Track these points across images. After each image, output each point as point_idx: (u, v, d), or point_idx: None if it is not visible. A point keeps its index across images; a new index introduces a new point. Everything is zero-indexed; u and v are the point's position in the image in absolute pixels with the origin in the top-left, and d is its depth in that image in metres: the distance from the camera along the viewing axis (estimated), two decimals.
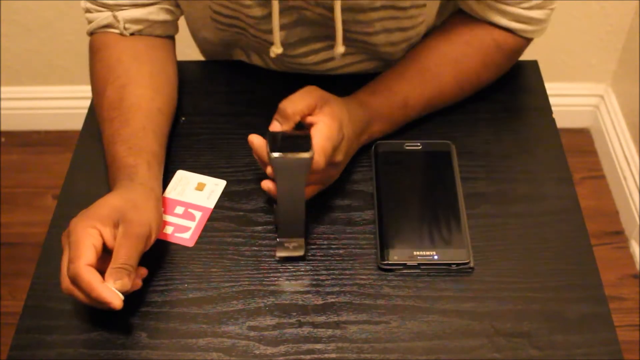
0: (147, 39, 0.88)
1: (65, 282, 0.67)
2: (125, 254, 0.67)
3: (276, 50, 0.83)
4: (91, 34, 0.89)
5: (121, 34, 0.86)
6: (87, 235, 0.67)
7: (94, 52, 0.88)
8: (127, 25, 0.85)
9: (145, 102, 0.82)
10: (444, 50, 0.86)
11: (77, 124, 0.92)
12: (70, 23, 1.72)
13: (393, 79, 0.84)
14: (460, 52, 0.86)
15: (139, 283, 0.70)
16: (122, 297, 0.66)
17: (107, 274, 0.66)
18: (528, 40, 0.89)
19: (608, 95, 1.83)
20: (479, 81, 0.89)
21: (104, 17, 0.86)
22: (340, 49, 0.83)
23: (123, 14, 0.85)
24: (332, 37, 0.86)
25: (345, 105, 0.78)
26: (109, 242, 0.69)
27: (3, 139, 1.91)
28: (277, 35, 0.82)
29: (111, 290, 0.66)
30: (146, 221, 0.70)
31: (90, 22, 0.88)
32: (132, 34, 0.86)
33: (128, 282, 0.66)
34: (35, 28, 1.74)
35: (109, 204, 0.70)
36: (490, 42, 0.87)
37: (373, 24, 0.83)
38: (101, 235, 0.68)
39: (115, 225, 0.69)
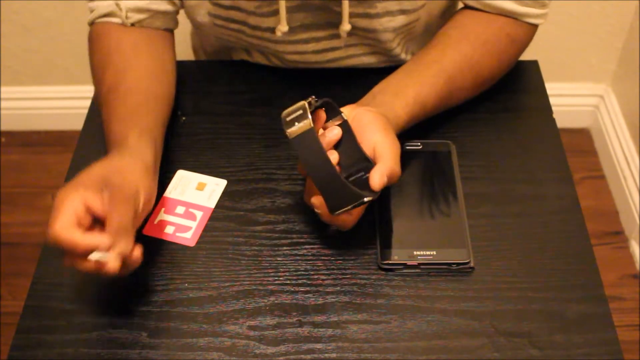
0: (147, 31, 0.88)
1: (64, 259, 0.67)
2: (117, 217, 0.66)
3: (282, 28, 0.85)
4: (91, 23, 0.90)
5: (122, 24, 0.87)
6: (66, 201, 0.66)
7: (94, 40, 0.88)
8: (129, 14, 0.86)
9: (143, 87, 0.83)
10: (465, 54, 0.85)
11: (77, 124, 0.92)
12: (70, 23, 1.72)
13: (416, 83, 0.83)
14: (479, 54, 0.86)
15: (138, 255, 0.68)
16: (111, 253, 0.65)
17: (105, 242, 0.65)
18: (534, 29, 0.90)
19: (608, 95, 1.83)
20: (493, 80, 0.90)
21: (106, 5, 0.86)
22: (346, 26, 0.84)
23: (126, 3, 0.86)
24: (334, 25, 0.86)
25: (383, 115, 0.77)
26: (96, 208, 0.67)
27: (3, 139, 1.91)
28: (283, 11, 0.83)
29: (96, 237, 0.65)
30: (131, 183, 0.69)
31: (92, 10, 0.89)
32: (132, 24, 0.87)
33: (127, 244, 0.66)
34: (35, 28, 1.74)
35: (91, 171, 0.70)
36: (504, 38, 0.88)
37: (375, 5, 0.84)
38: (85, 201, 0.67)
39: (100, 190, 0.68)
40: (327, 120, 0.74)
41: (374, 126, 0.74)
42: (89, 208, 0.67)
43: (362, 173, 0.74)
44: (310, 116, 0.68)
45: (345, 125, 0.74)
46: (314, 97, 0.72)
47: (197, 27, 0.95)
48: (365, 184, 0.72)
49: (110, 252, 0.65)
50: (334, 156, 0.73)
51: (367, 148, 0.74)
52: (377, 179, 0.71)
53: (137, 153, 0.74)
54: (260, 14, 0.86)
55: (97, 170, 0.70)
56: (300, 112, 0.69)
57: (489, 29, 0.88)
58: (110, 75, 0.83)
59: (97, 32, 0.88)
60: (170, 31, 0.92)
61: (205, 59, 1.09)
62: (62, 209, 0.66)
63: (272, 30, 0.87)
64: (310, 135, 0.68)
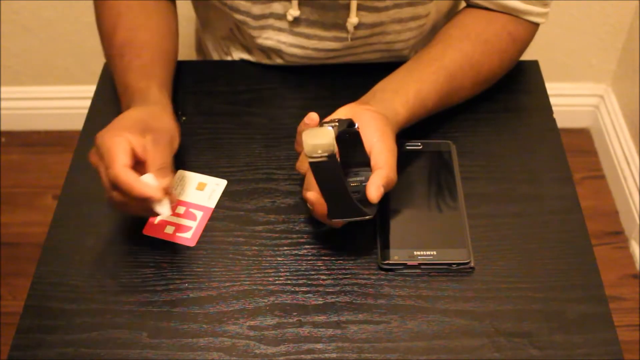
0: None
1: (109, 194, 0.71)
2: (160, 158, 0.73)
3: (293, 12, 0.86)
4: None
5: None
6: (116, 142, 0.71)
7: (102, 5, 0.91)
8: None
9: (154, 42, 0.87)
10: (466, 53, 0.86)
11: (77, 124, 0.92)
12: (70, 23, 1.72)
13: (417, 81, 0.83)
14: (480, 53, 0.86)
15: (175, 196, 0.75)
16: (163, 196, 0.70)
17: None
18: (535, 28, 0.91)
19: (608, 95, 1.83)
20: (494, 78, 0.90)
21: None
22: (353, 18, 0.85)
23: None
24: (339, 27, 0.87)
25: (384, 115, 0.77)
26: (138, 150, 0.72)
27: (3, 139, 1.91)
28: None
29: (150, 185, 0.70)
30: (168, 128, 0.76)
31: None
32: None
33: (171, 181, 0.72)
34: (35, 28, 1.74)
35: (130, 116, 0.76)
36: (506, 37, 0.88)
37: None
38: (130, 144, 0.72)
39: (141, 134, 0.73)
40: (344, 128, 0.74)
41: (372, 127, 0.74)
42: (132, 150, 0.72)
43: (363, 178, 0.74)
44: (335, 147, 0.66)
45: (356, 134, 0.73)
46: (336, 122, 0.70)
47: (211, 9, 0.96)
48: (365, 192, 0.72)
49: (166, 200, 0.71)
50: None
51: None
52: (374, 192, 0.71)
53: (163, 103, 0.80)
54: (266, 0, 0.86)
55: (135, 115, 0.76)
56: (326, 140, 0.66)
57: (490, 27, 0.88)
58: (122, 32, 0.87)
59: None
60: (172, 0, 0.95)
61: (214, 43, 1.08)
62: (116, 151, 0.70)
63: (277, 16, 0.88)
64: (332, 164, 0.67)
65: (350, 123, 0.72)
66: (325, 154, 0.66)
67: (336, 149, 0.66)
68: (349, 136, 0.73)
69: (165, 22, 0.91)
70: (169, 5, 0.93)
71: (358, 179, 0.74)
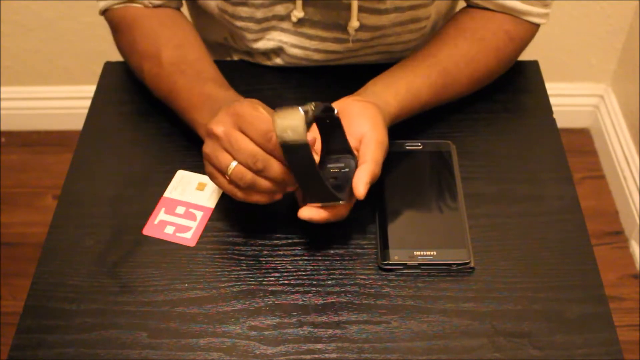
0: (171, 11, 0.90)
1: (241, 176, 0.69)
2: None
3: (298, 14, 0.86)
4: (105, 10, 0.90)
5: (145, 7, 0.88)
6: (262, 111, 0.69)
7: (127, 25, 0.89)
8: None
9: (207, 56, 0.87)
10: (462, 49, 0.86)
11: (77, 124, 0.93)
12: (70, 23, 1.72)
13: (409, 74, 0.84)
14: (476, 50, 0.87)
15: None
16: None
17: None
18: (535, 28, 0.90)
19: (608, 95, 1.84)
20: (490, 78, 0.90)
21: None
22: (354, 22, 0.85)
23: None
24: (341, 28, 0.87)
25: (376, 105, 0.78)
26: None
27: (3, 139, 1.91)
28: None
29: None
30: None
31: None
32: (155, 6, 0.89)
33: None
34: (35, 28, 1.74)
35: (248, 100, 0.72)
36: (502, 35, 0.88)
37: (385, 2, 0.85)
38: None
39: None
40: (320, 112, 0.73)
41: (364, 116, 0.75)
42: None
43: (343, 165, 0.74)
44: (305, 130, 0.65)
45: (336, 120, 0.73)
46: (312, 105, 0.69)
47: (206, 16, 0.96)
48: (343, 178, 0.73)
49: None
50: (316, 146, 0.73)
51: (354, 138, 0.74)
52: (362, 189, 0.71)
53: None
54: (270, 3, 0.86)
55: (251, 101, 0.73)
56: (296, 122, 0.65)
57: (487, 26, 0.88)
58: (170, 50, 0.85)
59: (126, 18, 0.89)
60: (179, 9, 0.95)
61: (207, 48, 1.08)
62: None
63: (279, 17, 0.88)
64: (302, 147, 0.66)
65: (328, 107, 0.72)
66: (295, 136, 0.65)
67: (313, 133, 0.66)
68: (329, 122, 0.73)
69: (195, 33, 0.90)
70: (184, 17, 0.92)
71: (337, 165, 0.75)
